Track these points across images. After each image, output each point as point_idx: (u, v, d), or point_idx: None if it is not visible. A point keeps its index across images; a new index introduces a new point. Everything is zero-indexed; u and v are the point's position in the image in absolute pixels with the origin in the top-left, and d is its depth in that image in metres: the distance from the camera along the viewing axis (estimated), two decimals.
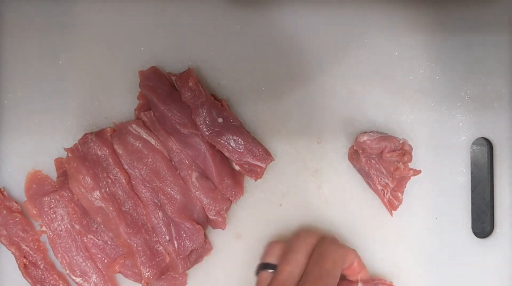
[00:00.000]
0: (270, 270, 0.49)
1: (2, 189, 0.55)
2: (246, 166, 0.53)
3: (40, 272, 0.55)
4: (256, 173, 0.53)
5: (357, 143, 0.52)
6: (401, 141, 0.52)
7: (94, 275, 0.54)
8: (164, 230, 0.52)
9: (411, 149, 0.52)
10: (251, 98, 0.56)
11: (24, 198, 0.55)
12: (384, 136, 0.52)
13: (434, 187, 0.56)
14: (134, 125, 0.53)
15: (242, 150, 0.53)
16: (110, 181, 0.52)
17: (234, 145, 0.52)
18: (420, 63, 0.56)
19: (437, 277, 0.56)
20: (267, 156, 0.53)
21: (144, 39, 0.56)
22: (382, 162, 0.52)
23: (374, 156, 0.53)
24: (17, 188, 0.56)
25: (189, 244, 0.52)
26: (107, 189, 0.52)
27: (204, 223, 0.54)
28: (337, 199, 0.56)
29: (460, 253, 0.56)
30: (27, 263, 0.55)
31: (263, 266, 0.50)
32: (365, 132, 0.52)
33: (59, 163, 0.55)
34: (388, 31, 0.56)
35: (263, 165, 0.53)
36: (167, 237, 0.52)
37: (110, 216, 0.52)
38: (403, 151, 0.51)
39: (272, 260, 0.50)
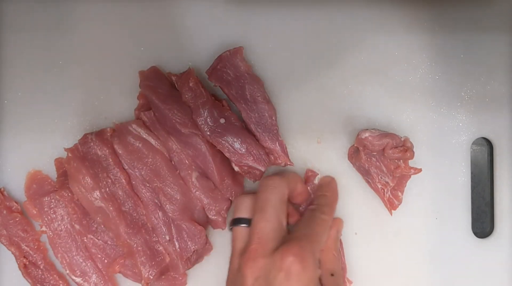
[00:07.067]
0: (243, 225, 0.48)
1: (2, 189, 0.55)
2: (246, 168, 0.53)
3: (40, 272, 0.55)
4: (255, 175, 0.53)
5: (358, 140, 0.52)
6: (402, 139, 0.52)
7: (94, 275, 0.54)
8: (164, 230, 0.52)
9: (413, 146, 0.52)
10: None
11: (24, 198, 0.55)
12: (386, 133, 0.52)
13: (434, 186, 0.56)
14: (134, 125, 0.53)
15: (243, 151, 0.52)
16: (110, 181, 0.53)
17: (235, 146, 0.52)
18: (420, 63, 0.56)
19: (437, 277, 0.56)
20: (267, 159, 0.53)
21: (144, 39, 0.56)
22: (383, 159, 0.52)
23: (374, 154, 0.53)
24: (17, 188, 0.56)
25: (191, 245, 0.52)
26: (107, 189, 0.52)
27: (205, 223, 0.54)
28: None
29: (460, 253, 0.56)
30: (27, 263, 0.55)
31: (236, 222, 0.49)
32: (367, 129, 0.52)
33: (59, 163, 0.55)
34: (388, 31, 0.56)
35: (262, 169, 0.53)
36: (167, 237, 0.52)
37: (110, 216, 0.52)
38: (405, 148, 0.51)
39: (244, 214, 0.49)
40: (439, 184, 0.56)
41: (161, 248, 0.53)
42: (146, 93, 0.54)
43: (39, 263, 0.55)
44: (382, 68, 0.56)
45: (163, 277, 0.54)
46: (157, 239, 0.53)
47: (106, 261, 0.54)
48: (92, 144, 0.53)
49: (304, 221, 0.50)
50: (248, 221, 0.48)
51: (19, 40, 0.56)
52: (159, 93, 0.53)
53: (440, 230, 0.56)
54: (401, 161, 0.52)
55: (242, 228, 0.48)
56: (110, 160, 0.53)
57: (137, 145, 0.53)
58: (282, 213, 0.48)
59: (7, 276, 0.56)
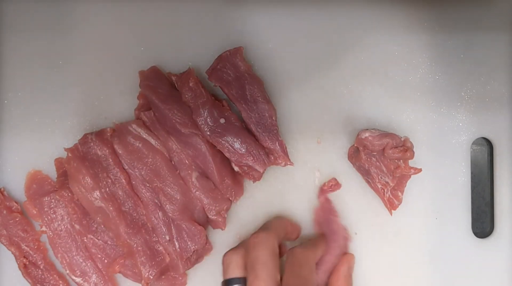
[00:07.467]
0: (237, 285, 0.47)
1: (2, 189, 0.55)
2: (245, 168, 0.53)
3: (40, 272, 0.55)
4: (254, 175, 0.53)
5: (358, 140, 0.52)
6: (402, 139, 0.52)
7: (94, 275, 0.54)
8: (164, 230, 0.52)
9: (413, 146, 0.52)
10: None
11: (24, 198, 0.55)
12: (386, 133, 0.52)
13: (434, 186, 0.56)
14: (134, 125, 0.53)
15: (243, 151, 0.52)
16: (110, 181, 0.53)
17: (235, 146, 0.52)
18: (420, 63, 0.56)
19: (437, 277, 0.56)
20: (267, 160, 0.53)
21: (144, 39, 0.56)
22: (383, 159, 0.52)
23: (374, 154, 0.53)
24: (17, 188, 0.56)
25: (191, 245, 0.52)
26: (107, 189, 0.52)
27: (205, 223, 0.54)
28: (337, 198, 0.56)
29: (460, 253, 0.56)
30: (27, 263, 0.55)
31: (228, 283, 0.47)
32: (367, 129, 0.52)
33: (59, 163, 0.55)
34: (388, 31, 0.56)
35: (260, 170, 0.53)
36: (167, 237, 0.52)
37: (110, 216, 0.52)
38: (405, 148, 0.51)
39: (236, 273, 0.47)
40: (439, 184, 0.56)
41: (161, 248, 0.53)
42: (146, 93, 0.54)
43: (39, 263, 0.55)
44: (382, 68, 0.56)
45: (163, 277, 0.54)
46: (157, 239, 0.53)
47: (106, 261, 0.54)
48: (92, 144, 0.53)
49: (288, 266, 0.47)
50: (240, 280, 0.47)
51: (19, 40, 0.56)
52: (159, 93, 0.53)
53: (440, 230, 0.56)
54: (401, 161, 0.52)
55: None
56: (110, 160, 0.53)
57: (137, 145, 0.53)
58: (275, 268, 0.46)
59: (7, 276, 0.56)
